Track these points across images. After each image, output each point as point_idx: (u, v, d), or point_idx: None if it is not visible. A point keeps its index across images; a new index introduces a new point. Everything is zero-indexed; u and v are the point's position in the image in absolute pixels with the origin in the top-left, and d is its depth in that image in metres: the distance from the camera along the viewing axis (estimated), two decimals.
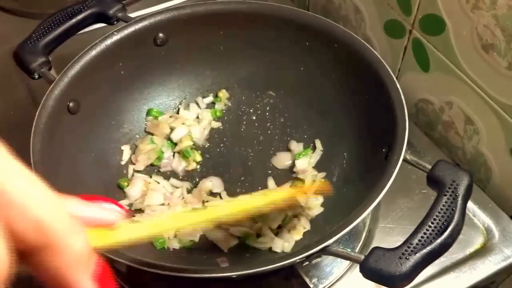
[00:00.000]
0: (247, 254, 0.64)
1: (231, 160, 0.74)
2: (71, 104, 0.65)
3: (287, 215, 0.65)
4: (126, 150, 0.73)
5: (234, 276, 0.54)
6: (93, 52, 0.68)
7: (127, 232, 0.38)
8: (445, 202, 0.51)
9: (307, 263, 0.64)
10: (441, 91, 0.76)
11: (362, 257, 0.49)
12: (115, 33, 0.70)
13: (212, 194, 0.70)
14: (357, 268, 0.49)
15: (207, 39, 0.75)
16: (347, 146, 0.70)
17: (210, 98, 0.78)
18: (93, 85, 0.69)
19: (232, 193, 0.70)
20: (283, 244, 0.63)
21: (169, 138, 0.75)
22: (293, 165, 0.72)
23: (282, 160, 0.73)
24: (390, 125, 0.59)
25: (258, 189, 0.70)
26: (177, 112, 0.77)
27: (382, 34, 0.82)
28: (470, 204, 0.69)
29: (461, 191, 0.52)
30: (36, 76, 0.66)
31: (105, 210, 0.35)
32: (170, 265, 0.60)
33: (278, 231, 0.65)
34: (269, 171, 0.72)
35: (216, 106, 0.78)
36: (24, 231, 0.27)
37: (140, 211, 0.67)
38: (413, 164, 0.59)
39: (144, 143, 0.72)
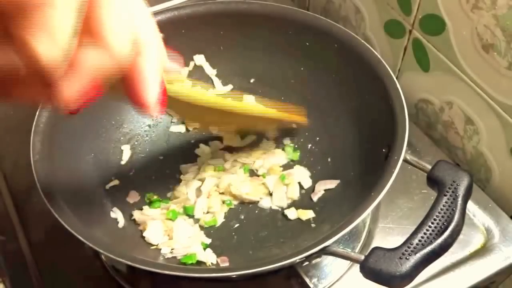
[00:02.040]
0: (250, 251, 0.64)
1: None
2: None
3: None
4: (126, 150, 0.73)
5: (234, 276, 0.54)
6: None
7: (178, 87, 0.49)
8: (445, 202, 0.51)
9: (307, 263, 0.64)
10: (441, 91, 0.76)
11: (362, 257, 0.49)
12: None
13: None
14: (357, 268, 0.49)
15: (207, 39, 0.75)
16: (347, 146, 0.70)
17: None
18: None
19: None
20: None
21: None
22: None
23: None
24: (390, 125, 0.59)
25: None
26: None
27: (382, 34, 0.82)
28: (470, 204, 0.69)
29: (461, 191, 0.52)
30: None
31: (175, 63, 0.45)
32: (170, 265, 0.60)
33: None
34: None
35: None
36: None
37: None
38: (413, 164, 0.59)
39: None
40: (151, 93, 0.38)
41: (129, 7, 0.36)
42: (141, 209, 0.67)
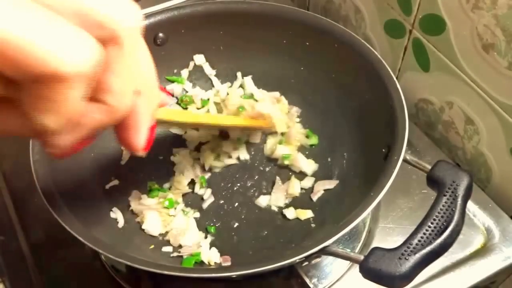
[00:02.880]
0: (250, 252, 0.64)
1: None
2: None
3: None
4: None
5: (234, 276, 0.54)
6: None
7: (171, 113, 0.57)
8: (445, 202, 0.51)
9: (307, 263, 0.64)
10: (441, 91, 0.76)
11: (362, 257, 0.49)
12: None
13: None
14: (357, 268, 0.49)
15: (207, 39, 0.75)
16: (347, 146, 0.70)
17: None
18: None
19: None
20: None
21: None
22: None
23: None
24: (390, 125, 0.59)
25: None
26: None
27: (382, 34, 0.82)
28: (470, 204, 0.69)
29: (461, 191, 0.52)
30: None
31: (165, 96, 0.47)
32: (170, 265, 0.60)
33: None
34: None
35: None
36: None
37: None
38: (413, 164, 0.59)
39: None
40: (142, 137, 0.38)
41: (136, 64, 0.35)
42: (140, 199, 0.68)
